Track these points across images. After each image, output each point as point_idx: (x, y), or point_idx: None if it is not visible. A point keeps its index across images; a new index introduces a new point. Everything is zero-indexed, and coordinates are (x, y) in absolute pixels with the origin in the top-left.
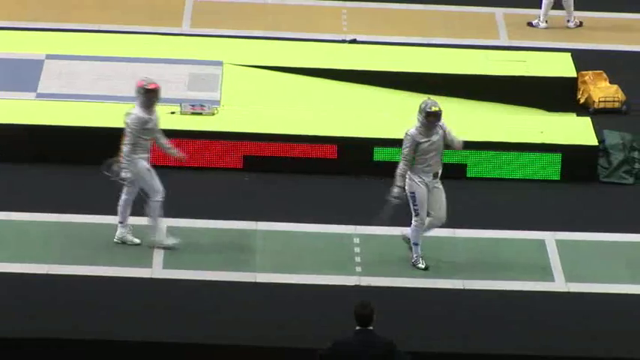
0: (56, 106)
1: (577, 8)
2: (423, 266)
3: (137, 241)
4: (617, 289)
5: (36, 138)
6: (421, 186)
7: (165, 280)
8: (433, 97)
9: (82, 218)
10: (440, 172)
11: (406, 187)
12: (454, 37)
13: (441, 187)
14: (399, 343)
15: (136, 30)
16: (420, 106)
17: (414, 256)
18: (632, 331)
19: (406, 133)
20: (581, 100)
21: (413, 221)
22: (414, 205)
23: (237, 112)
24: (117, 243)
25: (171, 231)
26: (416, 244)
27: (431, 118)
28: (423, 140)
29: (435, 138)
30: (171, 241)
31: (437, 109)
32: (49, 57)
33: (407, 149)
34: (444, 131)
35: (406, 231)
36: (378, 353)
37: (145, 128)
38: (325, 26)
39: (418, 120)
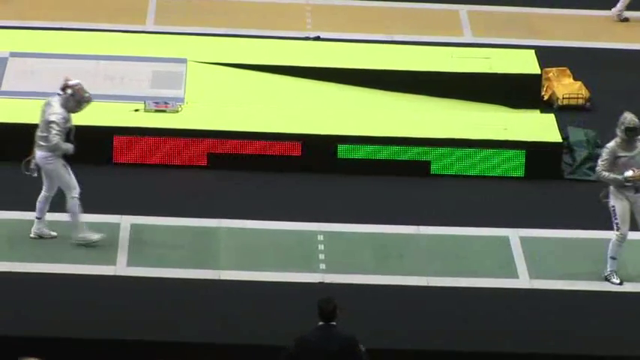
0: (20, 103)
1: (540, 5)
2: (618, 281)
3: (54, 234)
4: (580, 286)
5: (0, 136)
6: (623, 200)
7: (129, 278)
8: (397, 94)
9: (46, 216)
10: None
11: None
12: (419, 35)
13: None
14: (362, 340)
15: (100, 27)
16: (620, 120)
17: (609, 270)
18: (595, 329)
19: (605, 146)
20: (545, 97)
21: (614, 235)
22: (615, 219)
23: (202, 110)
24: (33, 238)
25: (136, 228)
26: (613, 259)
27: (630, 134)
28: (621, 154)
29: (634, 152)
30: (95, 236)
31: (635, 124)
32: (13, 54)
33: (604, 162)
34: None
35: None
36: (340, 348)
37: (66, 126)
38: (289, 23)
39: (618, 134)
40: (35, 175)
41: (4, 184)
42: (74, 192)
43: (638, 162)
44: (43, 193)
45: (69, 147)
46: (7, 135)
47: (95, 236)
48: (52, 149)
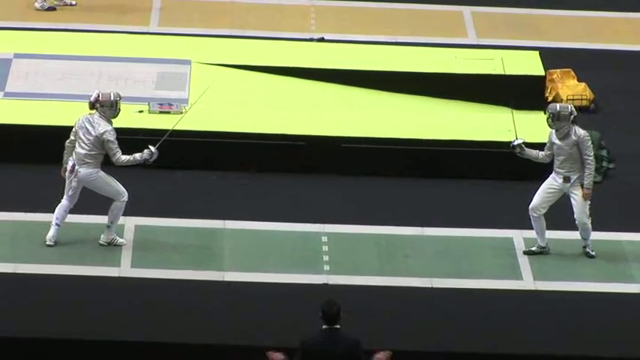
0: (24, 105)
1: (544, 6)
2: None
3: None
4: (584, 287)
5: (4, 137)
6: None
7: (133, 279)
8: (401, 96)
9: (50, 217)
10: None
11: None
12: (423, 36)
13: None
14: (367, 341)
15: (104, 29)
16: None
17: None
18: (599, 330)
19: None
20: (550, 99)
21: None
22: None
23: (205, 111)
24: (50, 245)
25: (140, 229)
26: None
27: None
28: (554, 141)
29: (561, 143)
30: (121, 239)
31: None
32: (17, 56)
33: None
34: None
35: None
36: (345, 352)
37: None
38: (293, 25)
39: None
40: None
41: (8, 185)
42: (123, 197)
43: (568, 152)
44: (65, 203)
45: (147, 156)
46: (11, 136)
47: (121, 239)
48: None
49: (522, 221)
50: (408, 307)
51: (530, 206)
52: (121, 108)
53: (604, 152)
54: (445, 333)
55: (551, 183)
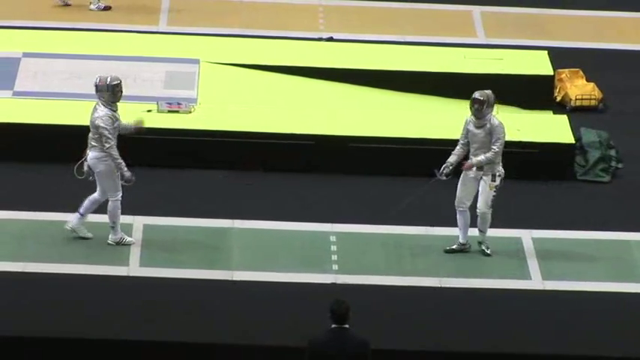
0: (33, 104)
1: (553, 6)
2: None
3: (89, 235)
4: (592, 287)
5: (13, 136)
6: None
7: (142, 278)
8: (409, 95)
9: (58, 216)
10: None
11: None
12: (432, 35)
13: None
14: (375, 342)
15: (113, 28)
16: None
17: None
18: (607, 330)
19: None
20: (558, 98)
21: None
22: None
23: (214, 111)
24: (68, 230)
25: (148, 228)
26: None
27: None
28: (470, 128)
29: (477, 130)
30: (129, 238)
31: (476, 97)
32: (25, 55)
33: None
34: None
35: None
36: (354, 352)
37: (115, 125)
38: (302, 24)
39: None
40: (90, 178)
41: (17, 184)
42: (117, 195)
43: (482, 140)
44: (95, 196)
45: (128, 176)
46: (20, 135)
47: (129, 238)
48: (108, 155)
49: (531, 221)
50: (416, 307)
51: (455, 201)
52: (126, 103)
53: (612, 152)
54: (454, 333)
55: (467, 172)
